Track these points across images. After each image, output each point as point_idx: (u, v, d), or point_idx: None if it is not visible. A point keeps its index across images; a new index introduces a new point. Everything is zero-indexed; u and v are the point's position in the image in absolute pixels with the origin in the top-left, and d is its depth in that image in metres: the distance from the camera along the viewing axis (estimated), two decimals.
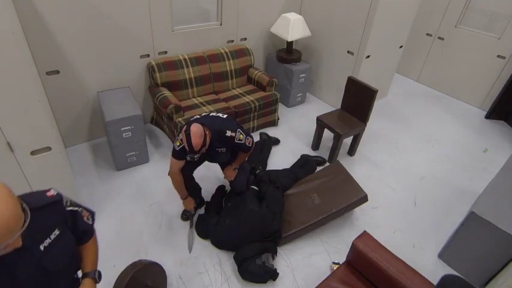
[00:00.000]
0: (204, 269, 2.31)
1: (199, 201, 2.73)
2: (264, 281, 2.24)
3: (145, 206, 2.73)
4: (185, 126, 2.13)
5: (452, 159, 3.66)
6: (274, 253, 2.34)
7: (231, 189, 2.68)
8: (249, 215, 2.37)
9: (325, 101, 4.48)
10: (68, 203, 1.22)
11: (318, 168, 3.21)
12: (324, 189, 2.74)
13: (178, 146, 2.20)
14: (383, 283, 1.82)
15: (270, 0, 3.91)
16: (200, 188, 2.69)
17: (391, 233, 2.72)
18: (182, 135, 2.11)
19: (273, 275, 2.23)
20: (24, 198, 0.98)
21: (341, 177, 2.83)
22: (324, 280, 1.95)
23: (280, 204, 2.52)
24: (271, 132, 3.72)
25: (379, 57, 4.02)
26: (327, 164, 3.36)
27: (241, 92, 3.68)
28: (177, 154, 2.25)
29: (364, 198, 2.65)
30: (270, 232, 2.35)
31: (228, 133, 2.23)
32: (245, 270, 2.20)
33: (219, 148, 2.32)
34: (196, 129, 2.05)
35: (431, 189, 3.21)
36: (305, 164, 3.16)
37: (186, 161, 2.30)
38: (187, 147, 2.06)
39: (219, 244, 2.45)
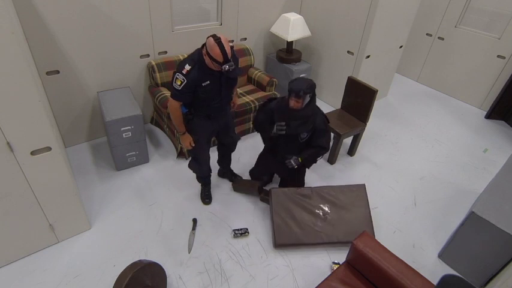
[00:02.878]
0: (204, 269, 2.31)
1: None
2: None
3: (145, 206, 2.73)
4: (182, 63, 2.08)
5: (452, 159, 3.66)
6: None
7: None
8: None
9: (325, 101, 4.48)
10: None
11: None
12: (336, 211, 2.60)
13: (180, 85, 2.07)
14: (383, 283, 1.82)
15: (270, 0, 3.91)
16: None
17: (391, 233, 2.72)
18: (188, 67, 2.05)
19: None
20: None
21: (358, 205, 2.64)
22: (324, 280, 1.95)
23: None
24: None
25: (379, 57, 4.02)
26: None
27: (241, 92, 3.68)
28: (178, 95, 2.13)
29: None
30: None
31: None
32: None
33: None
34: (223, 36, 1.98)
35: (431, 189, 3.21)
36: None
37: (198, 140, 2.37)
38: (220, 59, 1.97)
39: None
